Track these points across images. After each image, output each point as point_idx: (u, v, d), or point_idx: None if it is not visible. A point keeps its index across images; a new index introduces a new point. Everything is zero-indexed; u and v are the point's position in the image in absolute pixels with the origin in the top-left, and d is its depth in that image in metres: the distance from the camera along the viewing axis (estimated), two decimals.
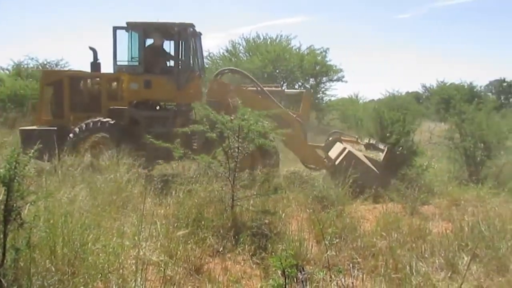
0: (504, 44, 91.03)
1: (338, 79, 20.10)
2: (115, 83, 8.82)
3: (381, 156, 8.13)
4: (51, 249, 3.21)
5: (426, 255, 4.27)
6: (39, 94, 9.01)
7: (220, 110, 7.00)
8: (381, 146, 8.70)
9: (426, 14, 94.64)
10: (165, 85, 8.41)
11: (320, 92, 20.19)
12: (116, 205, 4.94)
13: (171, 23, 8.44)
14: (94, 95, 8.73)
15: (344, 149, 8.01)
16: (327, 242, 3.98)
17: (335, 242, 4.42)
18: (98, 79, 8.89)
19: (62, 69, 18.70)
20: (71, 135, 7.74)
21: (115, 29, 8.50)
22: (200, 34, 9.12)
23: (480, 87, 37.58)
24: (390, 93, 29.46)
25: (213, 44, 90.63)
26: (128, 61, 8.74)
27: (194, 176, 5.68)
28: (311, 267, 3.96)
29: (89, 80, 9.00)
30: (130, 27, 8.56)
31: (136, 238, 3.80)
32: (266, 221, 4.99)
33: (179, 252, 3.93)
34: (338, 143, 8.96)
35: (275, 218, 5.11)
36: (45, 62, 19.70)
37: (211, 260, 4.20)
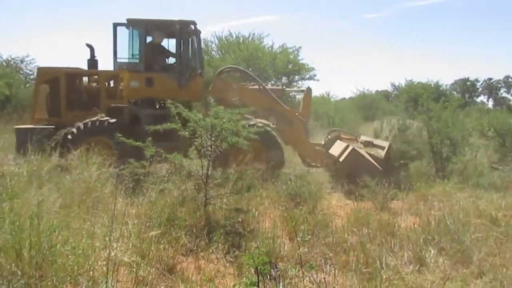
0: (468, 45, 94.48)
1: (310, 78, 20.29)
2: (113, 81, 8.64)
3: (381, 153, 8.37)
4: (17, 252, 3.11)
5: (395, 249, 4.38)
6: (34, 91, 8.67)
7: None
8: (381, 144, 8.97)
9: (393, 14, 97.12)
10: (167, 83, 8.30)
11: None
12: (86, 206, 4.84)
13: (173, 21, 8.36)
14: (92, 93, 8.49)
15: (347, 146, 8.19)
16: (299, 239, 4.02)
17: (307, 238, 4.48)
18: (96, 76, 8.67)
19: (30, 65, 18.14)
20: (69, 135, 7.48)
21: (115, 25, 8.27)
22: (200, 32, 9.01)
23: (446, 86, 38.88)
24: (360, 91, 30.10)
25: None
26: (128, 58, 8.57)
27: (167, 175, 5.62)
28: (284, 264, 4.00)
29: (85, 78, 8.78)
30: (131, 24, 8.37)
31: (107, 239, 3.73)
32: (240, 219, 4.99)
33: (151, 252, 3.87)
34: (338, 141, 9.08)
35: (248, 216, 5.13)
36: (9, 59, 18.96)
37: (184, 259, 4.17)
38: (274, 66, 17.97)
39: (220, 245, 4.38)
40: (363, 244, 4.38)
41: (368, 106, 26.07)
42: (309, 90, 9.67)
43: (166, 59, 9.00)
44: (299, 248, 3.75)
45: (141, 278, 3.48)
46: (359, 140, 9.50)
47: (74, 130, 7.53)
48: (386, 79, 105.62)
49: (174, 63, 8.88)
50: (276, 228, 4.86)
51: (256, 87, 8.94)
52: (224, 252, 4.30)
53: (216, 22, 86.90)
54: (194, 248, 4.36)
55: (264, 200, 6.09)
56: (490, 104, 54.81)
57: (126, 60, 8.57)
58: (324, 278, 3.26)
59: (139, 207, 5.06)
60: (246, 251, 4.12)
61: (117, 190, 5.35)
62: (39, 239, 3.23)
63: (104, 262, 3.37)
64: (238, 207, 5.18)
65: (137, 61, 8.42)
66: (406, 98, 29.97)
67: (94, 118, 7.62)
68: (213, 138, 5.15)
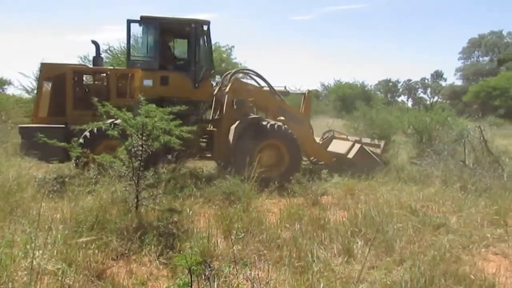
0: (390, 46, 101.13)
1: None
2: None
3: (378, 150, 9.57)
4: None
5: (326, 243, 4.57)
6: (37, 89, 7.98)
7: (245, 108, 8.35)
8: (375, 142, 10.04)
9: (317, 17, 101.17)
10: (182, 82, 8.20)
11: None
12: (4, 212, 4.46)
13: (189, 20, 8.37)
14: (99, 91, 8.00)
15: (354, 144, 9.12)
16: (233, 237, 4.04)
17: (241, 236, 4.51)
18: (104, 74, 8.31)
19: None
20: (81, 139, 6.97)
21: (129, 22, 7.99)
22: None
23: (371, 86, 41.35)
24: (292, 90, 30.91)
25: (112, 37, 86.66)
26: (142, 56, 8.35)
27: (95, 176, 5.35)
28: (218, 263, 4.00)
29: (86, 76, 8.37)
30: (145, 21, 8.15)
31: (29, 246, 3.47)
32: (173, 219, 4.91)
33: (79, 259, 3.68)
34: (335, 140, 9.92)
35: (182, 216, 5.05)
36: None
37: (114, 264, 4.01)
38: None
39: (153, 247, 4.25)
40: (296, 239, 4.51)
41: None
42: (310, 92, 10.23)
43: (175, 58, 8.98)
44: (233, 246, 3.77)
45: (67, 287, 3.29)
46: (351, 139, 10.01)
47: (87, 133, 7.09)
48: (316, 78, 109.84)
49: (184, 62, 8.81)
50: (210, 227, 4.84)
51: (268, 89, 9.22)
52: (157, 254, 4.18)
53: None
54: (126, 252, 4.21)
55: (198, 199, 6.04)
56: (410, 103, 59.14)
57: (140, 58, 8.38)
58: (258, 274, 3.32)
59: (65, 211, 4.78)
60: (181, 252, 4.06)
61: (39, 193, 5.00)
62: None
63: (26, 272, 3.13)
64: (172, 207, 5.08)
65: (151, 59, 8.18)
66: (335, 97, 31.34)
67: (111, 121, 7.13)
68: (144, 138, 4.99)
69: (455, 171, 7.88)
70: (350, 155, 8.78)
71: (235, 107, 8.50)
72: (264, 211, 5.92)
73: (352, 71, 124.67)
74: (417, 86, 64.48)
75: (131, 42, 8.46)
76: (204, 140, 8.50)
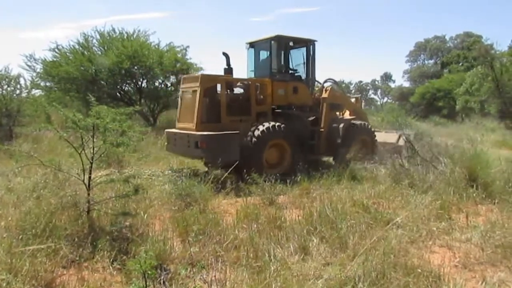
0: (343, 48, 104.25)
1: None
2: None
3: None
4: None
5: (282, 242, 4.62)
6: (199, 98, 8.43)
7: (339, 110, 10.69)
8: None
9: (276, 19, 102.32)
10: (306, 91, 10.05)
11: None
12: None
13: (306, 39, 10.12)
14: (243, 99, 9.18)
15: (400, 136, 10.74)
16: (190, 239, 4.00)
17: (199, 238, 4.47)
18: (243, 84, 9.34)
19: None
20: (253, 139, 8.41)
21: (269, 40, 9.64)
22: None
23: None
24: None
25: (61, 35, 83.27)
26: (273, 69, 9.65)
27: (42, 180, 5.09)
28: (175, 266, 3.94)
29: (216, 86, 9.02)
30: (278, 39, 9.64)
31: None
32: (127, 223, 4.77)
33: (25, 268, 3.49)
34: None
35: (136, 219, 4.93)
36: None
37: (65, 272, 3.84)
38: (162, 65, 17.53)
39: (106, 252, 4.12)
40: (253, 239, 4.53)
41: None
42: (360, 97, 12.81)
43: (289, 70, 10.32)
44: (190, 248, 3.73)
45: None
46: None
47: (259, 133, 8.43)
48: None
49: (303, 73, 10.33)
50: (166, 230, 4.75)
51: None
52: (110, 260, 4.05)
53: (97, 16, 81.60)
54: (77, 259, 4.05)
55: (153, 202, 5.91)
56: (362, 104, 61.09)
57: (274, 70, 9.66)
58: (215, 276, 3.30)
59: (10, 219, 4.51)
60: (135, 257, 3.96)
61: None
62: None
63: None
64: (125, 211, 4.94)
65: (283, 71, 9.83)
66: None
67: (272, 123, 8.70)
68: (95, 140, 4.81)
69: (404, 168, 8.21)
70: (401, 143, 10.48)
71: (337, 111, 10.58)
72: (221, 212, 5.89)
73: None
74: (368, 87, 66.91)
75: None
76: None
